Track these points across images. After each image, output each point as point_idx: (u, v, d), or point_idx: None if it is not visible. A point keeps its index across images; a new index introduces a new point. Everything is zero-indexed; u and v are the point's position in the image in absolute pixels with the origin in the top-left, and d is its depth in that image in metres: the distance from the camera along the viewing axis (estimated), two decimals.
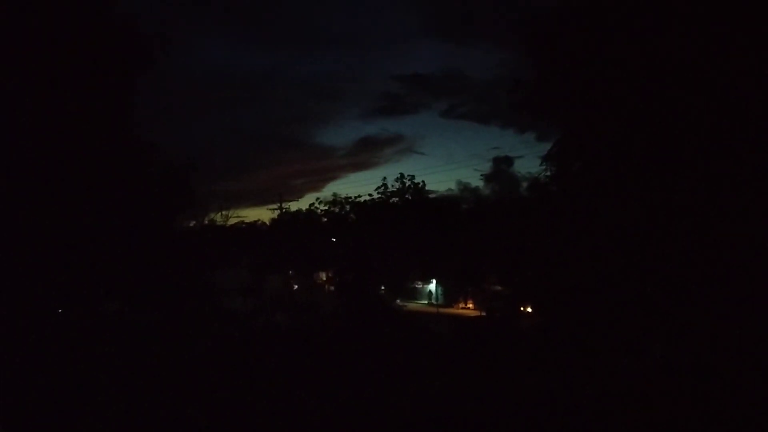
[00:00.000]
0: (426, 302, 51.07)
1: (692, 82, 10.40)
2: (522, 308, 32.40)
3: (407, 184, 45.84)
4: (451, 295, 49.65)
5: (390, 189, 45.92)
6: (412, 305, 46.02)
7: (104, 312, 15.85)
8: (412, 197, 45.73)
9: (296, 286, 46.29)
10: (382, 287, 43.08)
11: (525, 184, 42.13)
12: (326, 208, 47.96)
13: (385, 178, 46.17)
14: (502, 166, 54.30)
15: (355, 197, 47.14)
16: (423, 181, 46.08)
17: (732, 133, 10.10)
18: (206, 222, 22.88)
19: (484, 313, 40.19)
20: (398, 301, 43.83)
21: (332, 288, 39.71)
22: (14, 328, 12.00)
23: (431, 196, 47.81)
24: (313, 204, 48.91)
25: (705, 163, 10.60)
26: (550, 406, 9.39)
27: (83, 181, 12.45)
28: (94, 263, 13.07)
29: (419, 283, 52.66)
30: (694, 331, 12.42)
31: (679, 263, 11.42)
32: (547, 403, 9.71)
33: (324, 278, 51.63)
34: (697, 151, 10.71)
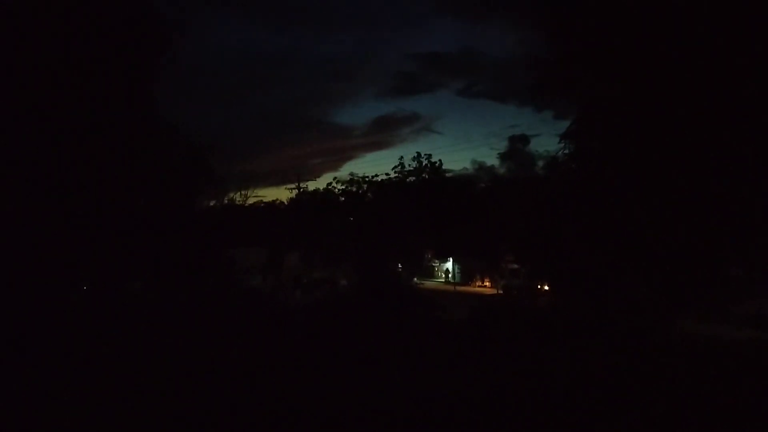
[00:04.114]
0: (443, 280, 51.34)
1: (713, 61, 10.26)
2: (539, 286, 32.49)
3: (424, 164, 45.81)
4: (467, 274, 49.83)
5: (407, 168, 45.95)
6: (429, 283, 46.32)
7: (128, 290, 16.30)
8: (429, 176, 45.71)
9: (314, 264, 46.81)
10: (400, 265, 43.36)
11: (541, 163, 41.89)
12: (344, 187, 48.13)
13: (402, 158, 46.21)
14: (518, 144, 54.01)
15: (373, 176, 47.26)
16: (440, 160, 46.03)
17: (754, 110, 9.98)
18: (226, 201, 23.19)
19: (500, 291, 40.45)
20: (415, 279, 44.16)
21: (350, 266, 40.09)
22: (41, 305, 12.44)
23: (448, 175, 47.76)
24: (330, 183, 49.10)
25: (725, 142, 10.50)
26: (562, 389, 9.52)
27: (108, 164, 12.74)
28: (118, 243, 13.44)
29: (436, 261, 52.89)
30: (712, 310, 12.43)
31: (698, 242, 11.40)
32: (558, 386, 9.84)
33: (342, 256, 52.02)
34: (718, 130, 10.61)
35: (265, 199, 51.41)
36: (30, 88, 11.57)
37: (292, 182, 49.79)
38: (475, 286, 48.28)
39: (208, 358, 11.72)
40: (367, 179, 47.35)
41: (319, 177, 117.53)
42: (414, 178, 45.95)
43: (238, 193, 24.15)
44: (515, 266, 38.50)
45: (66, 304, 13.38)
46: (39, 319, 12.02)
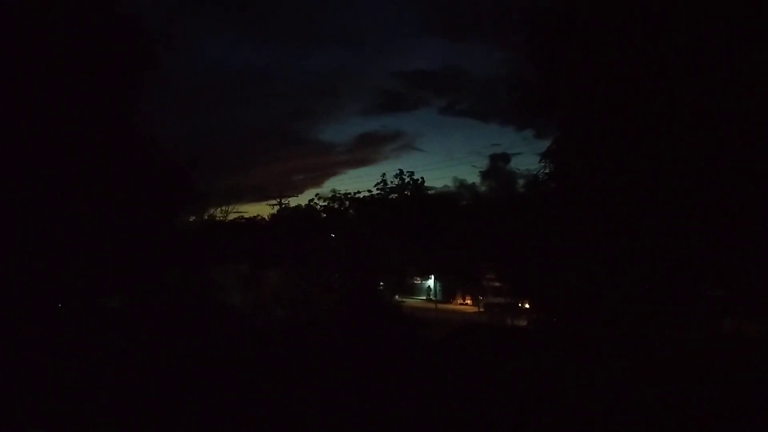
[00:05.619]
0: (425, 298, 51.21)
1: (691, 82, 10.47)
2: (520, 304, 32.59)
3: (406, 181, 45.97)
4: (449, 291, 49.80)
5: (389, 185, 46.07)
6: (410, 301, 46.17)
7: (104, 307, 15.91)
8: (411, 193, 45.86)
9: (295, 281, 46.38)
10: (381, 283, 43.14)
11: (523, 181, 42.34)
12: (325, 203, 48.00)
13: (384, 175, 46.33)
14: (498, 162, 54.70)
15: (355, 193, 47.27)
16: (422, 178, 46.26)
17: (731, 133, 10.18)
18: (206, 217, 22.89)
19: (482, 309, 40.45)
20: (397, 296, 43.93)
21: (331, 283, 39.76)
22: (16, 323, 12.09)
23: (430, 192, 47.96)
24: (312, 200, 48.97)
25: (704, 161, 10.68)
26: (547, 407, 9.49)
27: (86, 177, 12.52)
28: (96, 259, 13.15)
29: (418, 278, 52.79)
30: (694, 329, 12.53)
31: (679, 261, 11.52)
32: (543, 403, 9.82)
33: (323, 273, 51.56)
34: (696, 149, 10.79)
35: (247, 215, 51.02)
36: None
37: (274, 198, 49.54)
38: (456, 304, 48.22)
39: (183, 377, 11.48)
40: (349, 196, 47.33)
41: (301, 193, 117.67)
42: (396, 195, 46.07)
43: (219, 209, 23.89)
44: (497, 284, 38.60)
45: (39, 321, 13.01)
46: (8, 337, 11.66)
